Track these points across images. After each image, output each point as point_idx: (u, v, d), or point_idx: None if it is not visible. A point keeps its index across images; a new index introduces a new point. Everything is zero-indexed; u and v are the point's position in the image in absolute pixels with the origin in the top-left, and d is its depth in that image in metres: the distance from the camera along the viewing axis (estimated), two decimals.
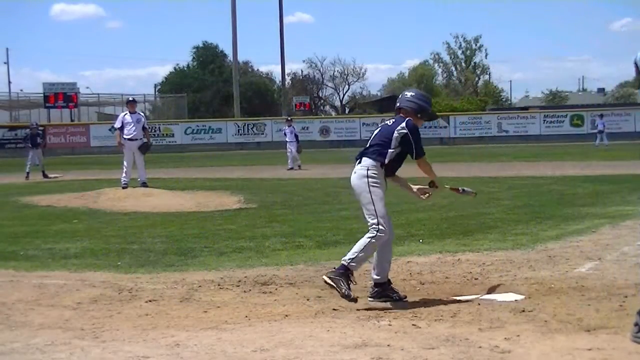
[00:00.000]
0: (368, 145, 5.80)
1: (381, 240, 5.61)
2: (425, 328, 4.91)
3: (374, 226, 5.58)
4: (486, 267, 7.07)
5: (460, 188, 6.29)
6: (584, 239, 8.55)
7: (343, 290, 5.46)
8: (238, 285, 6.48)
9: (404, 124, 5.68)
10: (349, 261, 5.56)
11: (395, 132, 5.66)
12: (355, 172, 5.74)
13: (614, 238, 8.51)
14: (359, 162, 5.74)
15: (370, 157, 5.69)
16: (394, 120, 5.81)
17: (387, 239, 5.66)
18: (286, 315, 5.39)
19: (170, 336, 4.82)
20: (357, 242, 5.66)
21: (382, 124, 5.91)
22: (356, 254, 5.57)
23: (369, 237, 5.59)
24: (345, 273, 5.53)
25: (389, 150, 5.67)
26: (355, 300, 5.50)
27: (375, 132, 5.87)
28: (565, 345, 4.36)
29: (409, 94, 5.96)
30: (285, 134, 25.84)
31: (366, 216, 5.67)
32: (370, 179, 5.63)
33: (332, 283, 5.50)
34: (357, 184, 5.70)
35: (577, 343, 4.42)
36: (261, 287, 6.40)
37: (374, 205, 5.59)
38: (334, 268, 5.64)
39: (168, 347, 4.55)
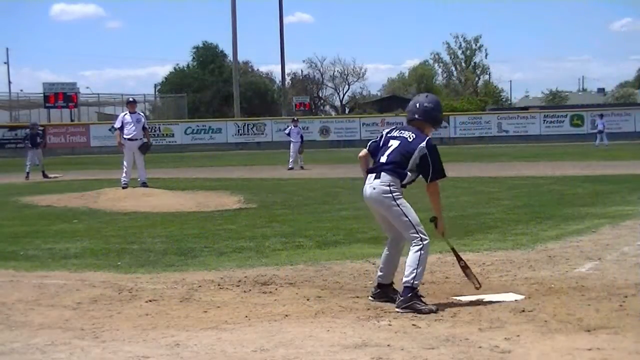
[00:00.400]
0: (386, 160, 5.59)
1: (428, 246, 5.56)
2: (425, 328, 4.91)
3: (414, 235, 5.51)
4: (486, 267, 7.07)
5: (462, 261, 6.02)
6: (584, 239, 8.55)
7: (424, 309, 5.34)
8: (238, 285, 6.47)
9: (424, 144, 5.52)
10: (412, 281, 5.43)
11: (416, 152, 5.51)
12: (374, 188, 5.59)
13: (614, 238, 8.51)
14: (377, 177, 5.60)
15: (389, 174, 5.57)
16: (414, 135, 5.60)
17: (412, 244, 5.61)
18: (286, 315, 5.39)
19: (170, 336, 4.82)
20: (391, 261, 5.61)
21: (400, 135, 5.66)
22: (415, 271, 5.44)
23: (417, 251, 5.49)
24: (414, 294, 5.44)
25: (407, 172, 5.55)
26: (438, 310, 5.37)
27: (394, 145, 5.62)
28: (565, 345, 4.37)
29: (428, 105, 5.72)
30: (289, 134, 25.74)
31: (402, 229, 5.57)
32: (393, 193, 5.55)
33: (409, 310, 5.36)
34: (381, 200, 5.56)
35: (577, 343, 4.42)
36: (261, 287, 6.39)
37: (407, 216, 5.53)
38: (400, 296, 5.48)
39: (168, 347, 4.55)
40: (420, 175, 5.64)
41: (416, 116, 5.71)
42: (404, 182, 5.61)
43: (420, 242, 5.51)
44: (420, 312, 5.32)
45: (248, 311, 5.54)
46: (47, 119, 51.77)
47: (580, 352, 4.23)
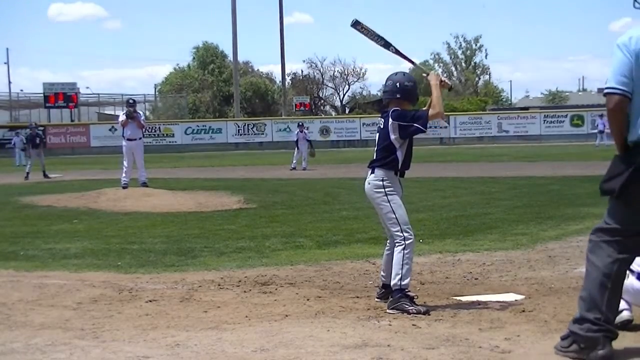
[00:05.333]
0: (375, 156, 5.70)
1: (412, 245, 5.58)
2: (425, 328, 4.91)
3: (398, 235, 5.54)
4: (486, 267, 7.08)
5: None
6: (584, 239, 8.48)
7: (412, 310, 5.34)
8: (238, 285, 6.47)
9: (391, 120, 5.58)
10: (399, 283, 5.46)
11: (390, 134, 5.58)
12: (369, 183, 5.68)
13: None
14: (372, 172, 5.68)
15: (381, 168, 5.63)
16: (383, 120, 5.70)
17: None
18: (286, 315, 5.38)
19: (170, 336, 4.82)
20: (392, 261, 5.57)
21: (378, 127, 5.79)
22: (400, 272, 5.47)
23: (400, 251, 5.51)
24: (403, 294, 5.45)
25: (397, 154, 5.60)
26: (428, 312, 5.33)
27: (377, 138, 5.76)
28: None
29: (409, 84, 5.72)
30: (297, 141, 25.56)
31: (388, 225, 5.62)
32: (386, 188, 5.59)
33: (398, 311, 5.36)
34: (373, 194, 5.64)
35: None
36: (261, 287, 6.39)
37: (394, 213, 5.56)
38: (390, 297, 5.50)
39: (168, 347, 4.55)
40: (418, 134, 5.60)
41: (397, 95, 5.72)
42: (400, 164, 5.62)
43: (403, 242, 5.53)
44: (407, 312, 5.33)
45: (248, 311, 5.54)
46: (47, 119, 51.84)
47: None
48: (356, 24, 5.80)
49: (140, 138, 16.19)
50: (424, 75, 5.83)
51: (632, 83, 3.97)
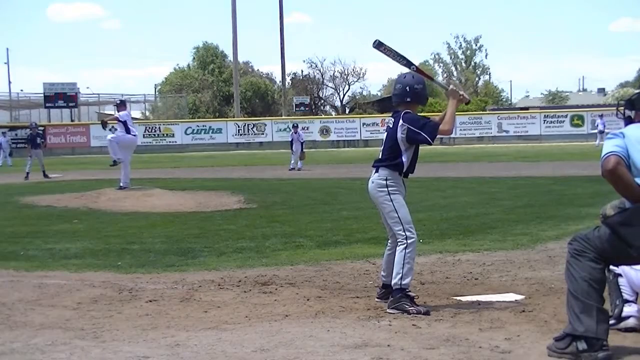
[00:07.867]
0: (381, 156, 5.71)
1: (414, 245, 5.59)
2: (425, 328, 4.92)
3: (400, 233, 5.56)
4: (486, 267, 7.08)
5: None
6: None
7: (412, 310, 5.34)
8: (238, 285, 6.48)
9: (401, 121, 5.59)
10: (399, 283, 5.48)
11: (399, 132, 5.60)
12: (372, 182, 5.70)
13: None
14: (376, 172, 5.69)
15: (386, 169, 5.64)
16: (392, 119, 5.72)
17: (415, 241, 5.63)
18: (286, 315, 5.39)
19: (170, 336, 4.82)
20: (393, 261, 5.58)
21: (387, 127, 5.80)
22: (400, 272, 5.49)
23: (402, 250, 5.53)
24: (404, 294, 5.46)
25: (403, 158, 5.61)
26: (428, 312, 5.34)
27: (384, 138, 5.77)
28: None
29: (418, 87, 5.72)
30: (292, 141, 25.80)
31: (390, 224, 5.64)
32: (390, 188, 5.61)
33: (398, 311, 5.37)
34: (376, 193, 5.65)
35: None
36: (261, 287, 6.39)
37: (397, 212, 5.57)
38: (390, 297, 5.50)
39: (168, 347, 4.55)
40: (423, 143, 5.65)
41: (408, 99, 5.72)
42: (405, 167, 5.65)
43: (405, 241, 5.54)
44: (407, 312, 5.33)
45: (248, 311, 5.55)
46: (47, 119, 51.80)
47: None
48: (379, 45, 5.79)
49: (122, 135, 15.19)
50: (445, 91, 5.86)
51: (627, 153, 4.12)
